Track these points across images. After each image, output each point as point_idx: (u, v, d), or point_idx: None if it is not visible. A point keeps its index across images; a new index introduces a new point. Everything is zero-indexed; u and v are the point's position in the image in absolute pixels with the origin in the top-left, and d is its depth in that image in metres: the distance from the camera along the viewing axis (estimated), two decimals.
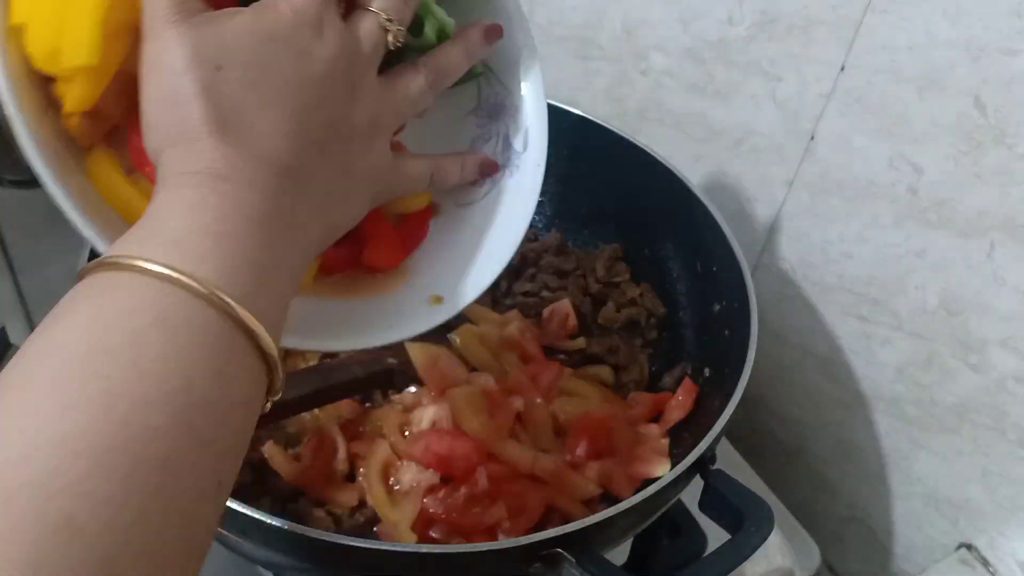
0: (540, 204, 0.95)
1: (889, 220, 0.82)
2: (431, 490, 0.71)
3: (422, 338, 0.80)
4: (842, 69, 0.82)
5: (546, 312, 0.89)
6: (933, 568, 0.85)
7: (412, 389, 0.78)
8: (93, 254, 0.69)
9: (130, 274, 0.37)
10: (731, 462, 0.93)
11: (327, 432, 0.75)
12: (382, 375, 0.76)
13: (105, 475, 0.32)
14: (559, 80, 1.14)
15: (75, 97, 0.46)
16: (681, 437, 0.78)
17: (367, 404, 0.78)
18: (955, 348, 0.81)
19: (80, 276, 0.38)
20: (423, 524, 0.69)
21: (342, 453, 0.74)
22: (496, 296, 0.92)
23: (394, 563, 0.57)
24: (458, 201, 0.60)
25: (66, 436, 0.32)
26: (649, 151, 0.87)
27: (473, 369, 0.80)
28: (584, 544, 0.58)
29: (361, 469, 0.74)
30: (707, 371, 0.81)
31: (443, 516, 0.68)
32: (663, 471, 0.73)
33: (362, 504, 0.72)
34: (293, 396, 0.68)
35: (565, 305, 0.89)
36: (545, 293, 0.91)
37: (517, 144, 0.59)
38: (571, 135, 0.91)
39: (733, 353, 0.73)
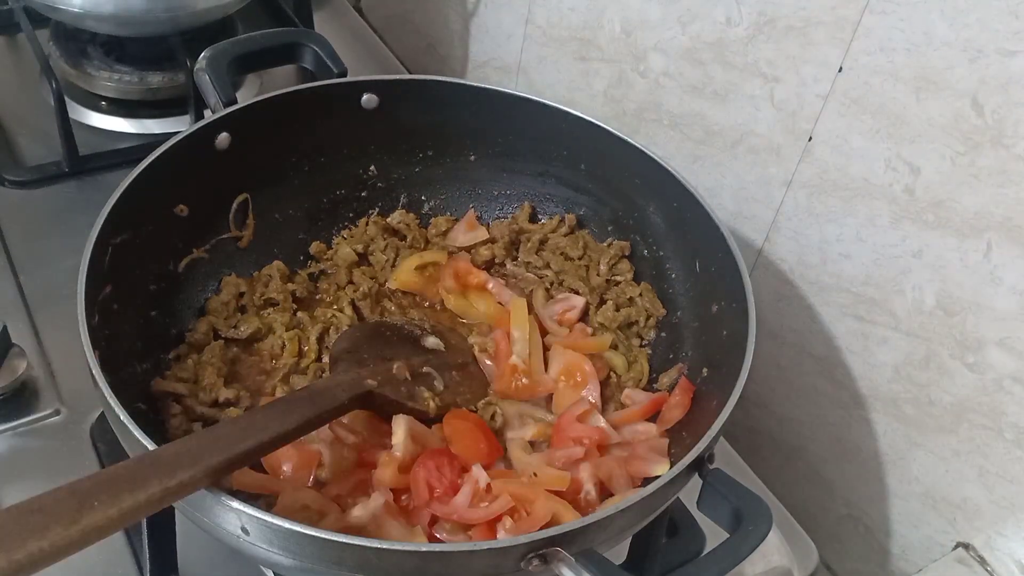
0: (541, 203, 0.97)
1: (886, 220, 0.83)
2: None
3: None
4: (840, 70, 0.82)
5: (558, 297, 0.90)
6: (931, 567, 0.85)
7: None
8: (94, 253, 0.70)
9: None
10: (729, 462, 0.93)
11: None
12: (364, 397, 0.75)
13: None
14: (558, 81, 1.14)
15: None
16: (679, 436, 0.78)
17: None
18: (952, 348, 0.81)
19: None
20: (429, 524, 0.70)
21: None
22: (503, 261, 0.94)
23: (394, 562, 0.57)
24: None
25: None
26: (647, 152, 0.87)
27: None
28: (583, 543, 0.58)
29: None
30: (705, 371, 0.81)
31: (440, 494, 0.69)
32: (662, 470, 0.73)
33: None
34: (286, 427, 0.66)
35: (578, 302, 0.89)
36: (547, 272, 0.92)
37: None
38: (570, 136, 0.91)
39: (731, 353, 0.73)
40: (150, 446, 0.59)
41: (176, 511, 0.68)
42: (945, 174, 0.77)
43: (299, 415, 0.68)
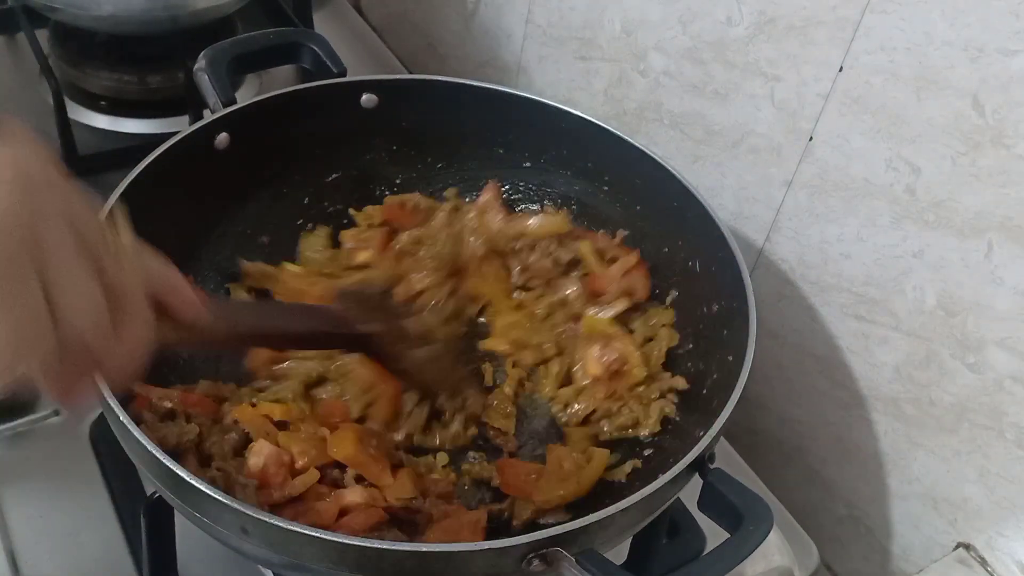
0: (541, 203, 0.97)
1: (887, 220, 0.83)
2: None
3: None
4: (840, 70, 0.82)
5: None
6: (932, 568, 0.85)
7: None
8: None
9: None
10: (730, 462, 0.93)
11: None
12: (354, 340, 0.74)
13: None
14: (558, 81, 1.14)
15: None
16: (680, 436, 0.78)
17: None
18: (953, 348, 0.81)
19: None
20: None
21: None
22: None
23: (394, 562, 0.57)
24: None
25: None
26: (648, 151, 0.87)
27: None
28: (584, 543, 0.58)
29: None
30: (706, 370, 0.81)
31: None
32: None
33: None
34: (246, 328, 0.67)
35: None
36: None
37: None
38: (570, 135, 0.91)
39: (732, 353, 0.73)
40: (150, 446, 0.59)
41: (176, 511, 0.68)
42: (946, 174, 0.77)
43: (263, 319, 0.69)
